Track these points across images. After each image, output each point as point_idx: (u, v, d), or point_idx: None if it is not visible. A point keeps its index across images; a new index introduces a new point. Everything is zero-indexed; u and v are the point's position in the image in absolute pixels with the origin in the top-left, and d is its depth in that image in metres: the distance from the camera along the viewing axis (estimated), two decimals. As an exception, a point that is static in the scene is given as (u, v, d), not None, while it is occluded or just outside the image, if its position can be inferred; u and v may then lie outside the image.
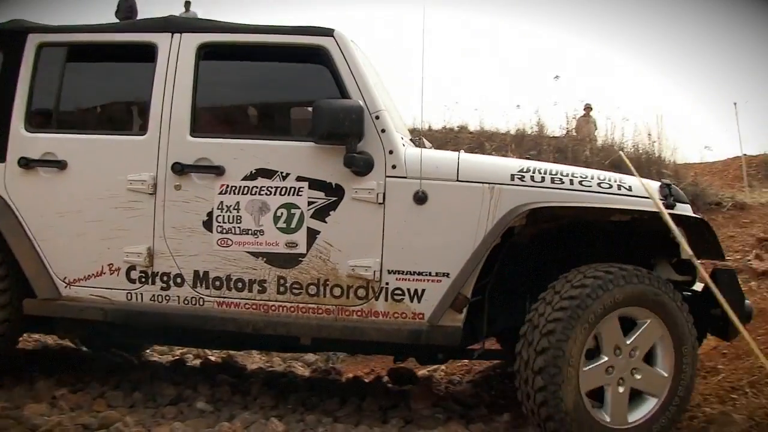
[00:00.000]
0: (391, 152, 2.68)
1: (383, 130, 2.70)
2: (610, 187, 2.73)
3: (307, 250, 2.69)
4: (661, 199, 2.74)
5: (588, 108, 10.22)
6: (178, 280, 2.77)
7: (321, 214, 2.68)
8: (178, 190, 2.76)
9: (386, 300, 2.68)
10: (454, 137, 9.10)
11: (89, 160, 2.84)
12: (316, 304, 2.71)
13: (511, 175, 2.69)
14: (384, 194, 2.66)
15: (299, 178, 2.69)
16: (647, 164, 7.49)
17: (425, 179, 2.66)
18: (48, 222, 2.84)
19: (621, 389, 2.51)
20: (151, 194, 2.76)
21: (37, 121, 2.92)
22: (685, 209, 2.79)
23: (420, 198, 2.65)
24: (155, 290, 2.78)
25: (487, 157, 2.94)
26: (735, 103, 8.35)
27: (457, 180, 2.69)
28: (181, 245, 2.76)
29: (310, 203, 2.69)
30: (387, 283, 2.67)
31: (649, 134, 7.80)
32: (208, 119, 2.97)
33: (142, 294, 2.79)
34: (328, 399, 3.16)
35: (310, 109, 2.72)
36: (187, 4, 11.43)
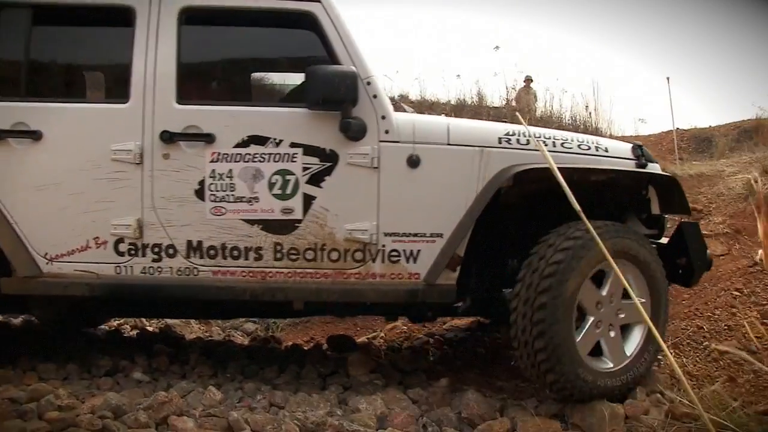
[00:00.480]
0: (383, 117, 2.74)
1: (375, 96, 2.75)
2: (589, 149, 2.93)
3: (304, 216, 2.72)
4: (634, 159, 2.96)
5: (528, 80, 10.55)
6: (170, 250, 2.73)
7: (316, 179, 2.72)
8: (166, 159, 2.70)
9: (383, 262, 2.76)
10: (393, 106, 9.19)
11: (67, 129, 2.72)
12: (314, 268, 2.75)
13: (499, 138, 2.82)
14: (378, 158, 2.72)
15: (293, 144, 2.71)
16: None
17: (418, 143, 2.75)
18: (23, 196, 2.71)
19: (612, 333, 2.72)
20: (137, 164, 2.69)
21: (4, 89, 2.76)
22: (655, 168, 3.03)
23: (413, 162, 2.74)
24: (146, 262, 2.73)
25: (474, 121, 3.05)
26: (668, 78, 8.85)
27: (448, 144, 2.79)
28: (172, 215, 2.71)
29: (305, 169, 2.71)
30: (383, 246, 2.75)
31: (587, 106, 8.19)
32: (194, 86, 2.90)
33: (131, 267, 2.73)
34: (267, 367, 3.20)
35: None
36: None
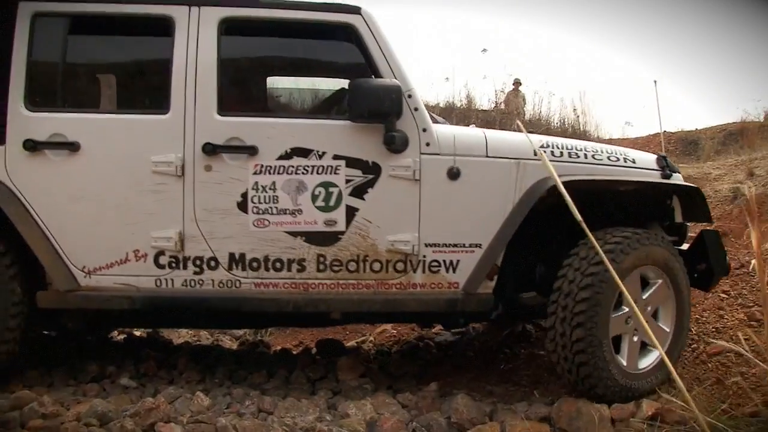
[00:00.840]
0: (424, 130, 2.80)
1: (416, 108, 2.80)
2: (618, 160, 3.04)
3: (347, 228, 2.76)
4: (659, 170, 3.09)
5: (517, 83, 10.69)
6: (212, 263, 2.73)
7: (359, 191, 2.75)
8: (208, 171, 2.70)
9: (423, 272, 2.82)
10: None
11: (105, 141, 2.69)
12: (356, 279, 2.79)
13: (535, 150, 2.91)
14: (419, 171, 2.77)
15: (336, 157, 2.74)
16: (572, 138, 8.02)
17: (458, 156, 2.81)
18: (60, 209, 2.67)
19: (635, 339, 2.85)
20: (179, 176, 2.68)
21: (40, 99, 2.71)
22: (678, 178, 3.16)
23: (454, 174, 2.80)
24: (187, 275, 2.73)
25: (509, 133, 3.13)
26: (655, 81, 9.03)
27: (487, 156, 2.86)
28: (215, 227, 2.71)
29: (347, 181, 2.75)
30: (424, 256, 2.81)
31: (575, 109, 8.36)
32: (235, 97, 2.90)
33: (172, 279, 2.73)
34: (256, 372, 3.21)
35: None
36: None
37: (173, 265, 2.72)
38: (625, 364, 2.82)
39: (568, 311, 2.67)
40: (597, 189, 2.96)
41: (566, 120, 8.37)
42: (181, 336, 4.61)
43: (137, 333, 4.29)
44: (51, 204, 2.67)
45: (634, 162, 3.07)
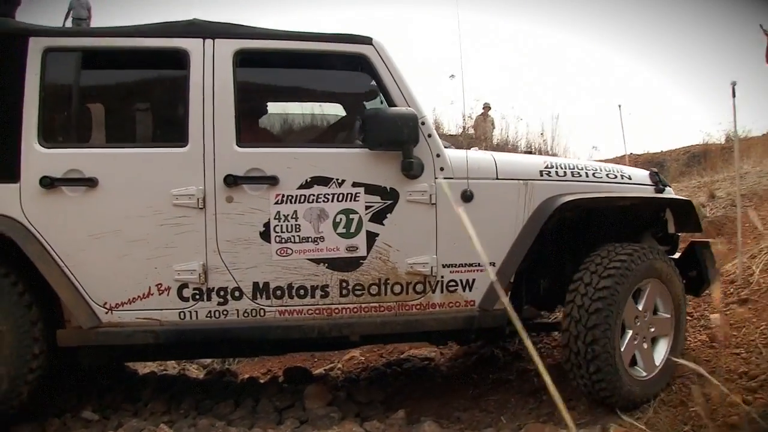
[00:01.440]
0: (438, 155, 2.92)
1: (429, 135, 2.92)
2: (616, 177, 3.24)
3: (368, 253, 2.85)
4: (653, 185, 3.31)
5: (486, 107, 10.86)
6: (236, 293, 2.77)
7: (378, 217, 2.85)
8: (230, 202, 2.74)
9: (442, 292, 2.94)
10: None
11: (124, 175, 2.69)
12: (378, 302, 2.88)
13: (540, 171, 3.07)
14: (435, 195, 2.89)
15: (355, 184, 2.82)
16: None
17: (471, 179, 2.94)
18: (79, 245, 2.66)
19: (645, 345, 3.04)
20: (200, 208, 2.71)
21: (55, 135, 2.70)
22: (670, 191, 3.39)
23: (467, 196, 2.93)
24: (211, 306, 2.76)
25: (515, 155, 3.28)
26: (620, 105, 9.34)
27: (497, 178, 3.00)
28: (238, 258, 2.76)
29: (367, 207, 2.84)
30: (442, 277, 2.93)
31: (542, 133, 8.59)
32: (253, 128, 2.94)
33: (196, 311, 2.75)
34: (222, 401, 3.21)
35: None
36: None
37: (197, 297, 2.74)
38: (644, 373, 3.00)
39: (581, 324, 2.84)
40: (598, 205, 3.15)
41: (533, 144, 8.59)
42: (146, 366, 4.53)
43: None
44: (69, 241, 2.66)
45: (630, 178, 3.28)
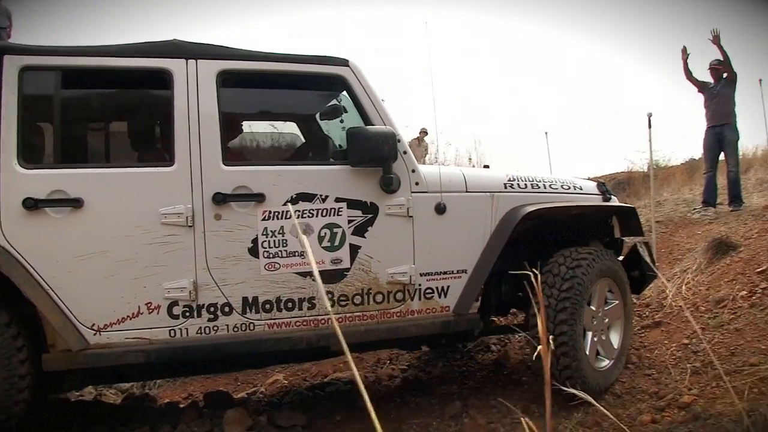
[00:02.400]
0: (413, 171, 3.15)
1: (405, 152, 3.15)
2: (569, 188, 3.60)
3: (351, 265, 3.03)
4: (600, 195, 3.70)
5: (423, 132, 11.10)
6: (226, 309, 2.87)
7: (360, 230, 3.04)
8: (218, 219, 2.83)
9: (420, 299, 3.17)
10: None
11: (110, 195, 2.73)
12: (362, 311, 3.07)
13: (504, 184, 3.38)
14: (412, 208, 3.12)
15: (338, 199, 3.00)
16: None
17: (444, 192, 3.19)
18: (65, 267, 2.67)
19: (603, 336, 3.45)
20: (189, 226, 2.79)
21: (36, 155, 2.69)
22: (615, 201, 3.80)
23: (441, 209, 3.18)
24: (202, 322, 2.84)
25: (480, 170, 3.55)
26: (546, 133, 9.93)
27: (467, 191, 3.27)
28: (227, 274, 2.85)
29: (349, 221, 3.02)
30: (420, 285, 3.16)
31: (470, 159, 8.92)
32: (237, 147, 3.04)
33: (187, 329, 2.82)
34: (138, 428, 3.19)
35: None
36: None
37: (187, 314, 2.82)
38: (607, 361, 3.41)
39: (550, 321, 3.16)
40: (557, 214, 3.50)
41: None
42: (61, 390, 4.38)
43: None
44: (54, 263, 2.65)
45: (581, 189, 3.66)
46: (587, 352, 3.31)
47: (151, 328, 2.78)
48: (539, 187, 3.48)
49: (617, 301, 3.53)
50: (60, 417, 3.21)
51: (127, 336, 2.76)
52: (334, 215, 3.00)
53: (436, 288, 3.20)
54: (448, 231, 3.21)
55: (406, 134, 10.25)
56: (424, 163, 9.66)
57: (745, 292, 4.17)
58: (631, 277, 3.81)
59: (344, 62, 3.08)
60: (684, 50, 7.22)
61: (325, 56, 3.08)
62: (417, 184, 3.15)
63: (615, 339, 3.53)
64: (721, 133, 7.00)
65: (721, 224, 6.20)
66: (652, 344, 4.06)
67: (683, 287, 4.80)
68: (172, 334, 2.81)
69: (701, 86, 7.25)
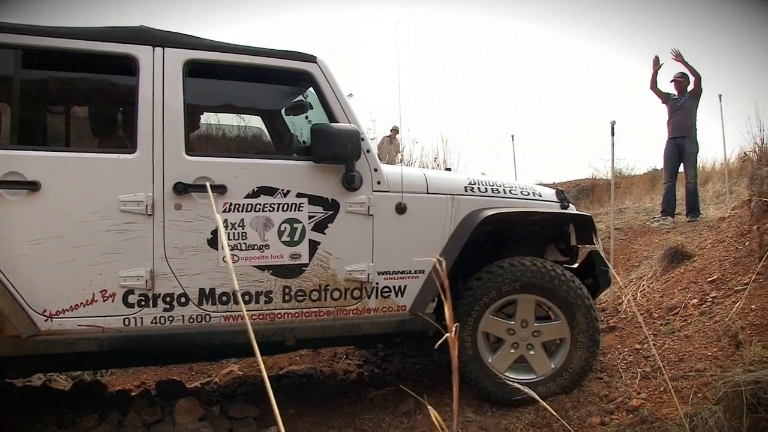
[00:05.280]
0: (375, 170, 3.34)
1: (368, 150, 3.34)
2: (529, 194, 3.85)
3: (310, 260, 3.20)
4: (558, 202, 3.96)
5: (395, 131, 11.35)
6: (183, 299, 3.00)
7: (320, 226, 3.21)
8: (178, 209, 2.97)
9: (377, 297, 3.36)
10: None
11: (69, 180, 2.83)
12: (318, 307, 3.25)
13: (464, 187, 3.60)
14: (373, 207, 3.31)
15: (299, 195, 3.17)
16: None
17: (405, 193, 3.40)
18: (18, 251, 2.76)
19: (532, 351, 3.68)
20: (148, 215, 2.91)
21: None
22: (572, 208, 4.06)
23: (401, 209, 3.38)
24: (157, 312, 2.97)
25: (442, 172, 3.75)
26: (512, 135, 10.21)
27: (428, 192, 3.48)
28: (185, 264, 2.99)
29: (310, 217, 3.19)
30: (377, 283, 3.35)
31: (435, 158, 9.19)
32: (202, 137, 3.17)
33: (141, 318, 2.95)
34: (87, 415, 3.28)
35: None
36: None
37: (143, 303, 2.94)
38: (533, 375, 3.63)
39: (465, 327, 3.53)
40: (515, 219, 3.73)
41: (427, 167, 9.12)
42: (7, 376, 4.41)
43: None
44: (7, 246, 2.75)
45: (540, 195, 3.91)
46: (490, 360, 3.60)
47: (104, 316, 2.90)
48: (499, 192, 3.71)
49: (559, 321, 3.67)
50: (5, 402, 3.27)
51: (79, 323, 2.87)
52: (295, 210, 3.17)
53: (394, 287, 3.39)
54: (408, 231, 3.41)
55: (378, 131, 10.47)
56: (395, 162, 9.96)
57: (696, 300, 4.46)
58: (585, 285, 4.08)
59: (312, 58, 3.25)
60: (656, 61, 7.63)
61: (293, 51, 3.24)
62: (379, 183, 3.34)
63: (558, 358, 3.71)
64: (681, 144, 7.46)
65: (678, 234, 6.60)
66: (605, 348, 4.31)
67: (638, 294, 5.12)
68: (127, 323, 2.93)
69: (665, 98, 7.71)
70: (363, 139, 3.31)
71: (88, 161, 2.91)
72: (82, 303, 2.86)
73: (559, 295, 3.63)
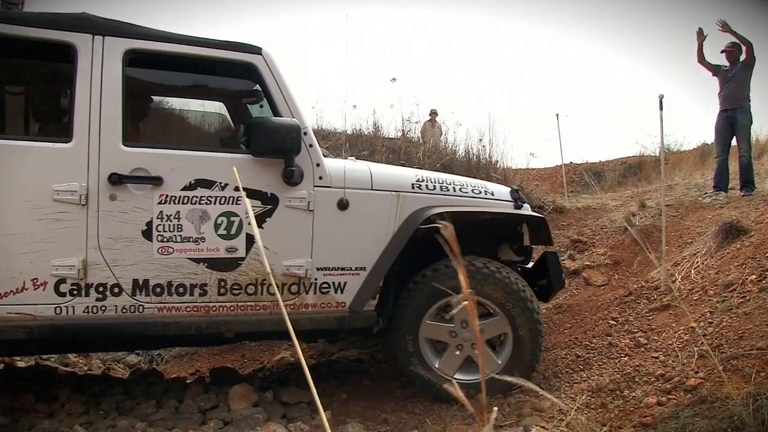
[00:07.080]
0: (318, 165, 3.43)
1: (311, 145, 3.43)
2: (480, 193, 3.93)
3: (246, 254, 3.31)
4: (512, 201, 4.04)
5: (434, 114, 11.56)
6: (116, 289, 3.13)
7: (258, 220, 3.31)
8: (113, 200, 3.08)
9: (315, 293, 3.47)
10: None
11: (1, 167, 2.94)
12: (254, 301, 3.36)
13: (411, 184, 3.69)
14: (313, 202, 3.40)
15: (237, 188, 3.27)
16: (477, 168, 8.87)
17: (347, 188, 3.49)
18: None
19: (457, 353, 3.75)
20: (82, 205, 3.03)
21: None
22: (527, 208, 4.14)
23: (343, 205, 3.48)
24: (89, 302, 3.09)
25: (390, 167, 3.83)
26: (557, 114, 10.26)
27: (372, 189, 3.57)
28: (119, 255, 3.11)
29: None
30: (316, 279, 3.46)
31: (480, 139, 9.24)
32: (139, 128, 3.27)
33: (73, 307, 3.07)
34: (145, 402, 3.47)
35: None
36: None
37: (75, 292, 3.07)
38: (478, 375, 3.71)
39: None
40: (463, 218, 3.82)
41: (471, 150, 9.16)
42: (70, 364, 4.65)
43: (22, 364, 4.28)
44: None
45: (492, 194, 3.99)
46: (437, 365, 3.72)
47: (35, 305, 3.02)
48: (448, 190, 3.80)
49: (497, 317, 3.72)
50: (70, 389, 3.44)
51: (9, 311, 2.99)
52: (232, 204, 3.27)
53: (333, 283, 3.50)
54: (350, 227, 3.51)
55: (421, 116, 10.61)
56: (439, 144, 10.06)
57: (754, 277, 4.36)
58: (539, 286, 4.18)
59: (257, 50, 3.33)
60: (700, 32, 7.54)
61: (238, 43, 3.33)
62: (321, 178, 3.44)
63: (504, 354, 3.77)
64: (733, 116, 7.41)
65: (732, 209, 6.54)
66: (659, 327, 4.28)
67: (692, 271, 5.09)
68: (58, 312, 3.05)
69: (715, 70, 7.65)
70: (306, 134, 3.40)
71: (21, 149, 3.02)
72: (12, 291, 2.98)
73: (492, 292, 3.69)
